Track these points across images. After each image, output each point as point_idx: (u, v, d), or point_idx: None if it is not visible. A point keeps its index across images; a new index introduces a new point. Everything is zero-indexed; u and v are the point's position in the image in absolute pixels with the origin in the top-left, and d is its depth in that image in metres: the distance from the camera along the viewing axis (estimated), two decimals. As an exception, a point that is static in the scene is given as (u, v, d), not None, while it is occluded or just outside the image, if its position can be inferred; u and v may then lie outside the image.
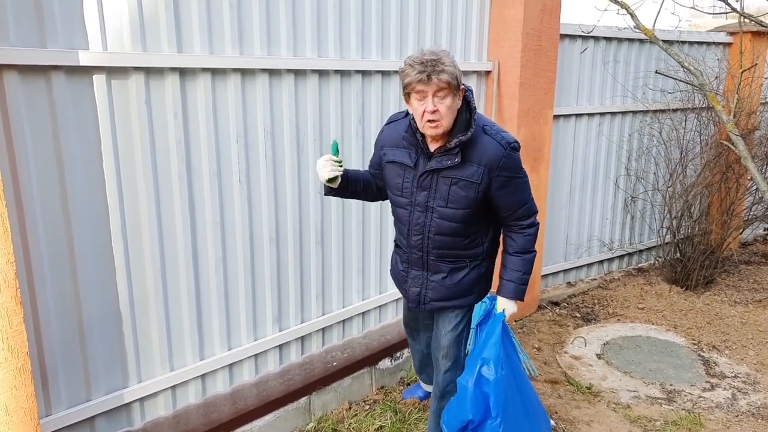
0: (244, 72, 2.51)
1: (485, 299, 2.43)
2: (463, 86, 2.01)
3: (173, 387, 2.52)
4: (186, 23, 2.30)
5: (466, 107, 2.04)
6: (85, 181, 2.12)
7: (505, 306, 2.28)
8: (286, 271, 2.86)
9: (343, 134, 2.96)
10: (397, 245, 2.39)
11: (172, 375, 2.49)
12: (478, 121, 2.05)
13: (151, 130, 2.26)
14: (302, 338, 3.00)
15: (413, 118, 2.04)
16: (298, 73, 2.71)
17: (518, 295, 2.25)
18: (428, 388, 2.92)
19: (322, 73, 2.81)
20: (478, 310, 2.61)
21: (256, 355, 2.80)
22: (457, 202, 2.08)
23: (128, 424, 2.41)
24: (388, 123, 2.25)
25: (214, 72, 2.41)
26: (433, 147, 2.08)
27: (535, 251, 2.26)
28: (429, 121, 1.94)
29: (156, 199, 2.32)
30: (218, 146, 2.48)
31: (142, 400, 2.42)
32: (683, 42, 4.78)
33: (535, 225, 2.22)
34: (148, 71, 2.21)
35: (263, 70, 2.57)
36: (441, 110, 1.92)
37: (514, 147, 2.07)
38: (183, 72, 2.32)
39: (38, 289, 2.06)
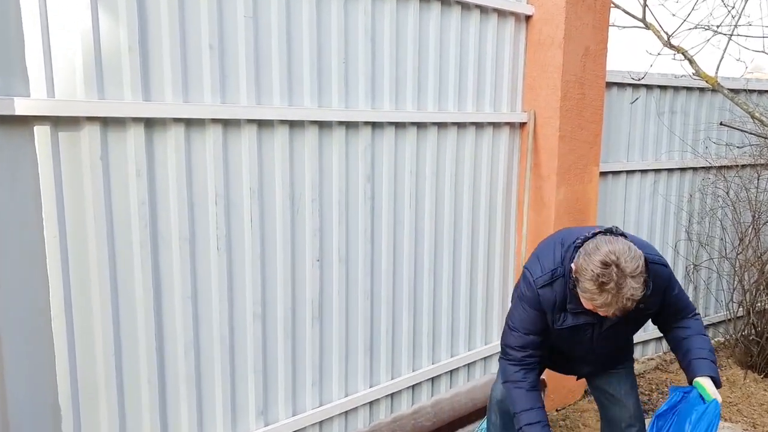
0: (227, 123, 2.17)
1: (671, 393, 2.07)
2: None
3: (127, 496, 2.08)
4: (156, 67, 1.98)
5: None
6: (18, 253, 1.77)
7: (716, 392, 1.96)
8: (274, 353, 2.43)
9: (348, 193, 2.57)
10: None
11: (124, 482, 2.06)
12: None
13: (107, 191, 1.92)
14: (294, 434, 2.53)
15: (571, 280, 1.88)
16: (294, 124, 2.35)
17: (716, 373, 2.02)
18: None
19: (323, 125, 2.44)
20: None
21: (234, 455, 2.35)
22: (631, 331, 2.19)
23: None
24: (542, 287, 1.98)
25: (189, 123, 2.07)
26: None
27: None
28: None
29: (111, 271, 1.96)
30: (192, 208, 2.12)
31: None
32: (750, 91, 4.24)
33: (699, 314, 2.18)
34: (106, 122, 1.89)
35: (250, 121, 2.22)
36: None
37: (666, 264, 2.05)
38: (150, 122, 1.99)
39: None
